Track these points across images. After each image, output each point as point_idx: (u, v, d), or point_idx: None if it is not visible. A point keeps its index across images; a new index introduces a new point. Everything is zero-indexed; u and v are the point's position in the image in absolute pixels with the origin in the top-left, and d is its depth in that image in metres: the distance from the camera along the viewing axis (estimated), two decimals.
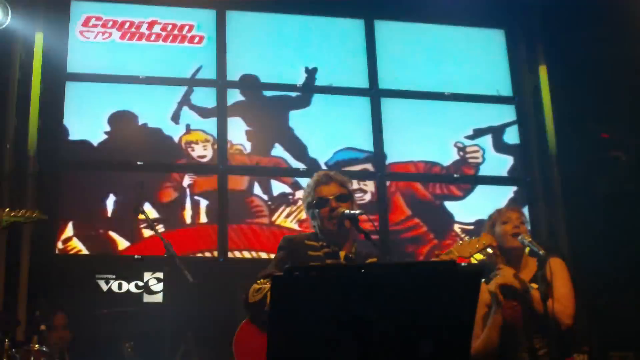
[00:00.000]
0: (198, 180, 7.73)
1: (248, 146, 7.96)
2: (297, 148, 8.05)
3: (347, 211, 4.19)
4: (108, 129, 7.66)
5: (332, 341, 2.73)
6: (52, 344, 5.90)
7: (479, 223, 7.51)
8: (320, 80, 8.29)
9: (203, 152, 7.83)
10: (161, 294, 6.73)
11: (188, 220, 7.59)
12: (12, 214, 4.92)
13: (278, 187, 7.89)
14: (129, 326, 5.96)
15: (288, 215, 7.77)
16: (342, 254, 4.26)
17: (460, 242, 4.47)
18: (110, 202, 7.42)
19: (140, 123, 7.78)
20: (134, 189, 5.70)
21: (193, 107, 7.93)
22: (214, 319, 6.46)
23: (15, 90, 7.40)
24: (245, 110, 8.09)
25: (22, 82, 7.45)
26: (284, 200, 7.85)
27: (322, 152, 8.05)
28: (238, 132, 7.97)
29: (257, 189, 7.83)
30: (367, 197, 8.03)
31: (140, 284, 7.00)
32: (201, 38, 8.15)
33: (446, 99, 8.50)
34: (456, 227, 8.05)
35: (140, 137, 7.75)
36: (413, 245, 7.97)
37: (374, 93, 8.34)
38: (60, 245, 7.20)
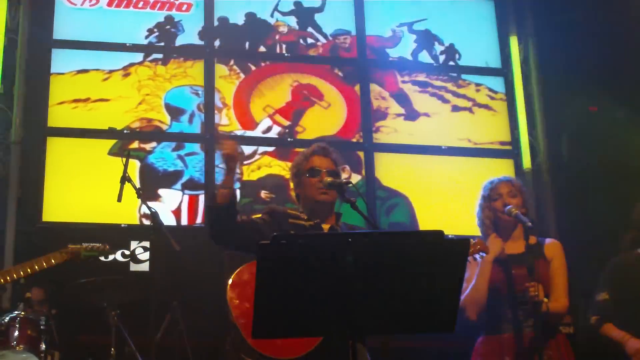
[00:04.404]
0: None
1: None
2: None
3: (334, 179, 4.18)
4: None
5: (319, 309, 2.75)
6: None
7: None
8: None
9: None
10: (147, 262, 6.72)
11: None
12: (89, 248, 5.39)
13: None
14: (115, 295, 5.93)
15: None
16: (325, 227, 4.25)
17: None
18: None
19: None
20: (121, 158, 5.60)
21: None
22: (201, 288, 6.45)
23: (0, 58, 7.33)
24: None
25: (7, 50, 7.39)
26: None
27: None
28: None
29: None
30: None
31: (127, 252, 6.98)
32: (189, 6, 8.09)
33: (435, 71, 8.50)
34: None
35: None
36: None
37: (362, 63, 8.33)
38: None
